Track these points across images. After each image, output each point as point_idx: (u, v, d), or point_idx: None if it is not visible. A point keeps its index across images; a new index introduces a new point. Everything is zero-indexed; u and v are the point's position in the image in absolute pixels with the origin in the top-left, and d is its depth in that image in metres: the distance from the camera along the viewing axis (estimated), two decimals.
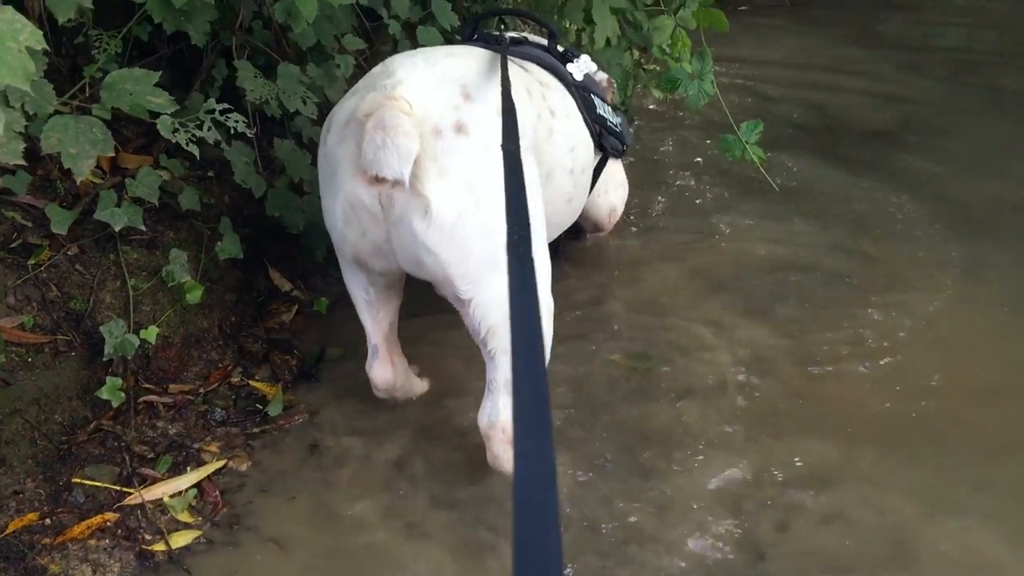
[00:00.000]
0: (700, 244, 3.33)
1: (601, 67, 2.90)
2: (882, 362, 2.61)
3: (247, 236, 2.71)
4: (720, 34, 3.09)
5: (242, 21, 2.69)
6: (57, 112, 2.02)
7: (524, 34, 2.80)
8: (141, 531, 2.00)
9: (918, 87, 5.23)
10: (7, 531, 1.91)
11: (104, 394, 2.21)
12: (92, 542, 1.95)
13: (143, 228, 2.38)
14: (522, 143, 1.62)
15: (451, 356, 2.58)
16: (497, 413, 2.04)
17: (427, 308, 2.55)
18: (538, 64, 2.52)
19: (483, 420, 2.06)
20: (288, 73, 2.66)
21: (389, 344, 2.29)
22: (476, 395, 2.12)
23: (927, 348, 2.67)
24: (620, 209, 3.17)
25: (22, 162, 1.76)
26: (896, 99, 5.02)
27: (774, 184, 3.21)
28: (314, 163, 2.76)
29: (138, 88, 2.08)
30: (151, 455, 2.20)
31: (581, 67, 2.61)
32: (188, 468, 2.18)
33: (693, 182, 3.89)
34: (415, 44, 3.01)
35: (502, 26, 2.68)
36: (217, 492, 2.12)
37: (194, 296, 2.46)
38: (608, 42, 3.18)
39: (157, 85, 2.13)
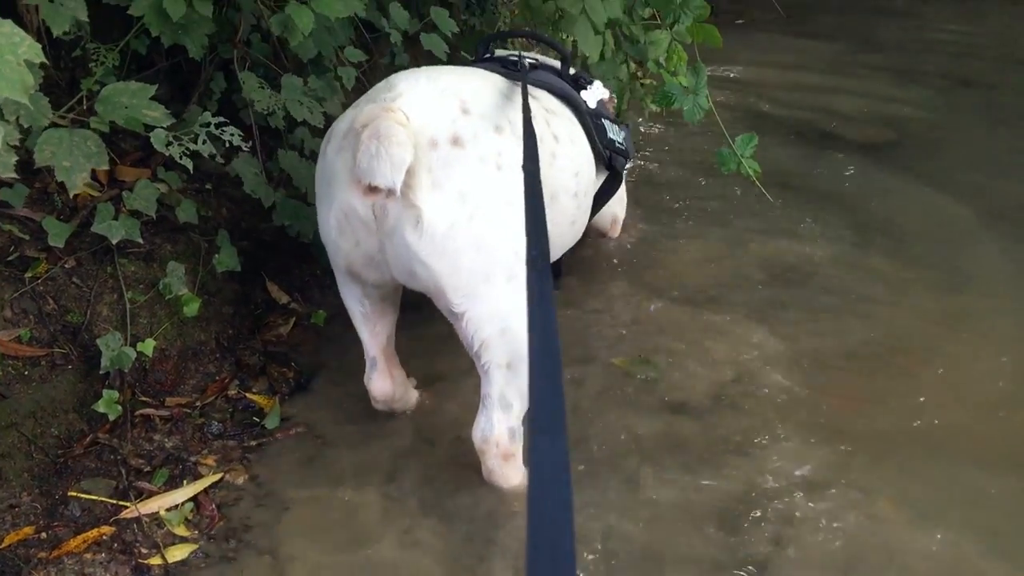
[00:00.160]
0: (699, 251, 3.33)
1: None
2: (879, 372, 2.61)
3: (245, 249, 2.72)
4: (715, 48, 3.10)
5: (240, 34, 2.70)
6: (53, 125, 2.02)
7: (536, 55, 2.84)
8: (137, 545, 1.99)
9: (914, 98, 5.25)
10: (3, 545, 1.91)
11: (100, 407, 2.21)
12: (88, 556, 1.94)
13: (140, 241, 2.38)
14: None
15: (449, 368, 2.58)
16: (491, 428, 2.04)
17: (423, 321, 2.56)
18: (549, 91, 2.54)
19: (477, 435, 2.06)
20: (291, 84, 2.67)
21: (387, 356, 2.29)
22: (471, 410, 2.12)
23: (925, 358, 2.67)
24: (622, 216, 3.29)
25: (14, 175, 1.76)
26: (893, 110, 5.04)
27: (769, 196, 3.22)
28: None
29: (134, 101, 2.08)
30: (147, 468, 2.20)
31: (594, 94, 2.65)
32: (185, 481, 2.17)
33: (692, 190, 3.90)
34: (414, 56, 3.02)
35: (519, 53, 2.72)
36: (213, 505, 2.11)
37: (191, 309, 2.46)
38: (603, 56, 3.19)
39: (154, 98, 2.13)
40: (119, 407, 2.24)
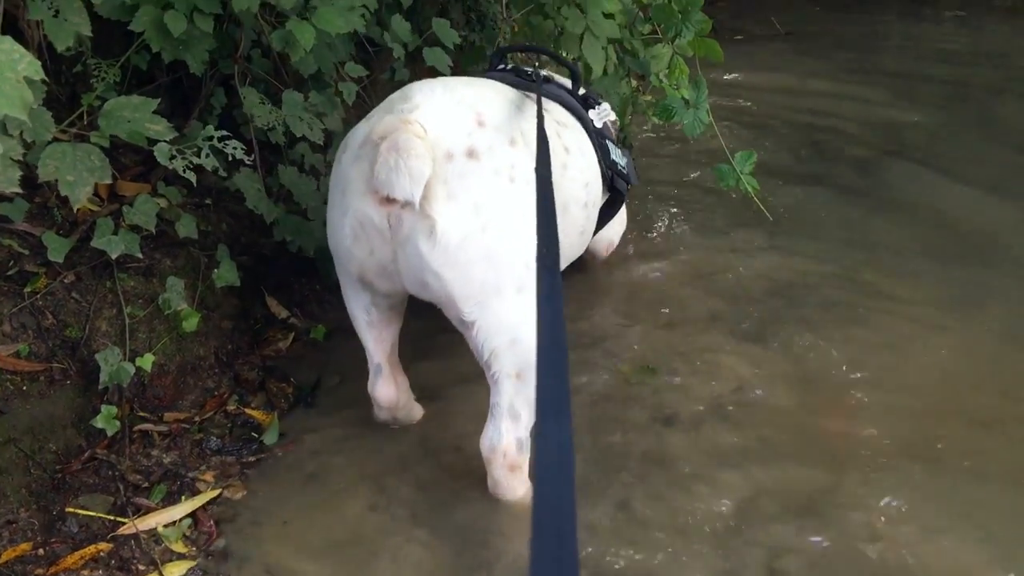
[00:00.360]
0: (696, 266, 3.34)
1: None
2: (877, 388, 2.60)
3: (244, 264, 2.71)
4: (716, 63, 3.11)
5: (241, 50, 2.70)
6: (55, 140, 2.02)
7: (547, 72, 2.87)
8: (135, 561, 1.98)
9: (913, 113, 5.27)
10: (0, 562, 1.89)
11: (99, 423, 2.20)
12: (85, 572, 1.92)
13: (140, 255, 2.37)
14: None
15: (450, 384, 2.58)
16: (499, 437, 2.04)
17: (426, 336, 2.56)
18: (559, 103, 2.60)
19: (485, 444, 2.06)
20: (292, 100, 2.68)
21: (392, 363, 2.30)
22: (475, 423, 2.11)
23: (922, 374, 2.67)
24: (617, 241, 3.28)
25: (19, 190, 1.76)
26: (891, 125, 5.05)
27: (767, 214, 3.23)
28: (319, 189, 2.78)
29: (136, 116, 2.08)
30: (145, 484, 2.19)
31: (601, 115, 2.69)
32: (183, 497, 2.16)
33: (691, 206, 3.90)
34: (414, 71, 3.03)
35: (536, 64, 2.77)
36: (212, 522, 2.10)
37: (190, 324, 2.46)
38: (605, 71, 3.21)
39: (155, 113, 2.14)
40: (117, 422, 2.23)
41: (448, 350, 2.61)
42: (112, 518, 2.07)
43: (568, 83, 2.79)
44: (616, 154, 2.74)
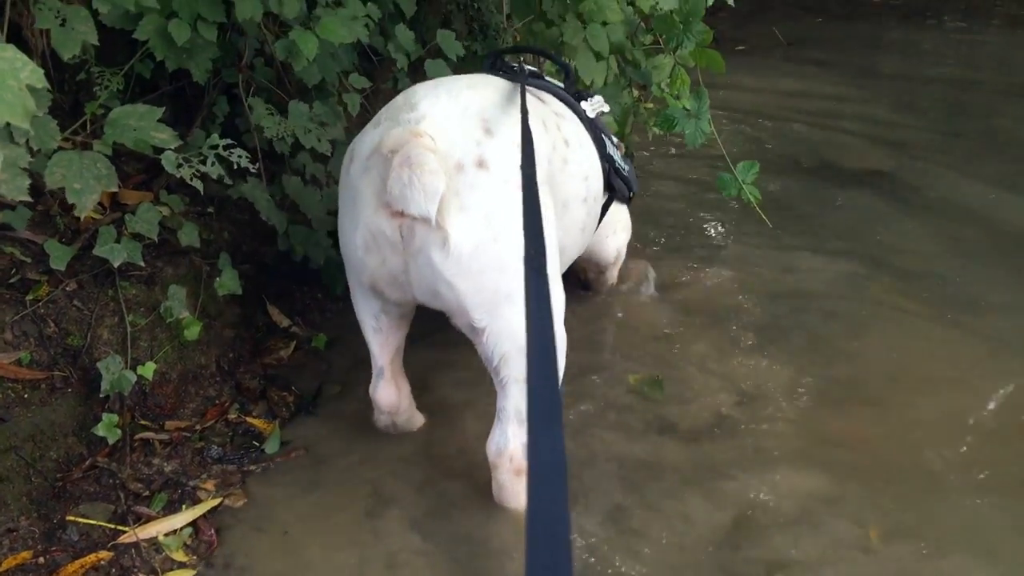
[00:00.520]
0: (699, 276, 3.34)
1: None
2: (878, 400, 2.60)
3: (246, 272, 2.71)
4: (718, 73, 3.12)
5: (245, 59, 2.71)
6: (60, 148, 2.02)
7: (533, 68, 2.84)
8: (135, 570, 1.97)
9: (914, 125, 5.27)
10: (0, 570, 1.89)
11: (100, 431, 2.20)
12: None
13: (142, 264, 2.38)
14: (538, 174, 1.66)
15: (452, 394, 2.58)
16: (506, 442, 2.04)
17: (430, 343, 2.56)
18: (554, 95, 2.56)
19: (491, 448, 2.07)
20: (298, 111, 2.69)
21: (394, 368, 2.31)
22: (478, 433, 2.11)
23: (924, 385, 2.67)
24: (624, 252, 3.17)
25: (27, 198, 1.76)
26: (892, 137, 5.06)
27: (769, 222, 3.23)
28: (322, 199, 2.78)
29: (142, 124, 2.09)
30: (146, 493, 2.18)
31: (594, 106, 2.65)
32: (183, 506, 2.16)
33: (693, 214, 3.91)
34: (416, 81, 3.03)
35: (520, 59, 2.73)
36: (212, 530, 2.10)
37: (192, 332, 2.46)
38: (605, 81, 3.21)
39: (160, 121, 2.14)
40: (118, 431, 2.23)
41: (449, 357, 2.61)
42: (113, 526, 2.06)
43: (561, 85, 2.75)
44: (612, 149, 2.71)
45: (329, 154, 2.75)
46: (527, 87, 2.23)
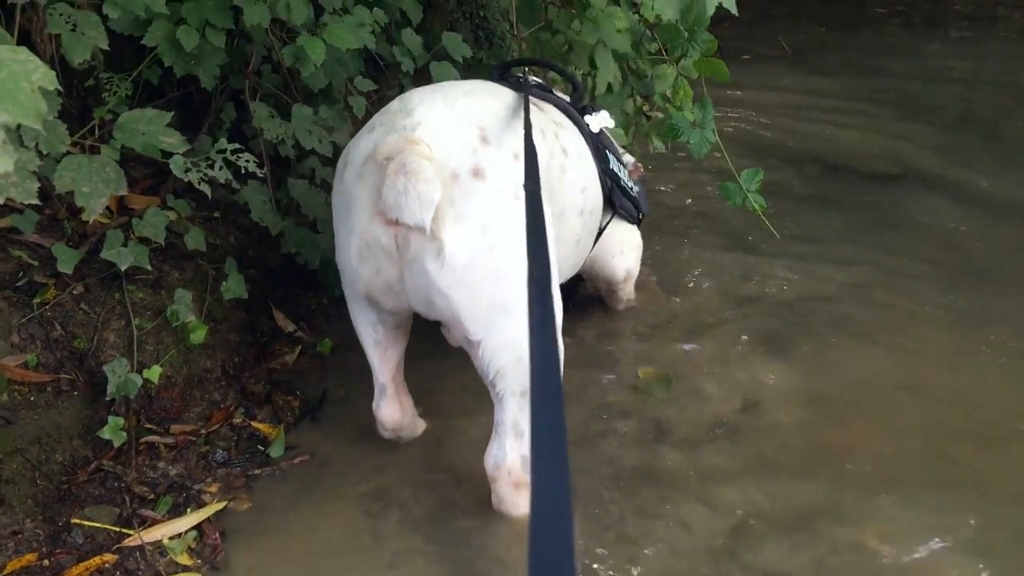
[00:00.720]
0: (704, 283, 3.35)
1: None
2: (883, 406, 2.60)
3: (252, 277, 2.72)
4: (722, 83, 3.12)
5: (252, 65, 2.72)
6: (69, 152, 2.04)
7: (538, 80, 2.83)
8: (140, 573, 1.98)
9: (919, 133, 5.27)
10: (5, 572, 1.90)
11: (106, 434, 2.20)
12: None
13: (149, 268, 2.39)
14: None
15: (457, 398, 2.58)
16: (504, 455, 2.04)
17: (431, 348, 2.56)
18: (554, 105, 2.52)
19: (489, 462, 2.06)
20: (302, 114, 2.70)
21: (397, 384, 2.29)
22: (480, 438, 2.12)
23: (929, 393, 2.67)
24: (635, 272, 3.07)
25: (36, 202, 1.77)
26: (897, 145, 5.05)
27: (774, 230, 3.23)
28: (328, 202, 2.79)
29: (150, 128, 2.10)
30: (151, 496, 2.19)
31: (598, 120, 2.61)
32: (188, 509, 2.16)
33: (697, 221, 3.91)
34: (418, 84, 3.04)
35: (525, 69, 2.70)
36: (217, 534, 2.10)
37: (198, 336, 2.47)
38: (610, 88, 3.22)
39: (168, 126, 2.16)
40: (124, 434, 2.23)
41: (451, 363, 2.61)
42: (118, 529, 2.07)
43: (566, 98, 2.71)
44: (617, 166, 2.65)
45: (331, 155, 2.76)
46: (530, 97, 2.20)
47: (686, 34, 3.01)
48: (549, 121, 2.36)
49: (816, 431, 2.49)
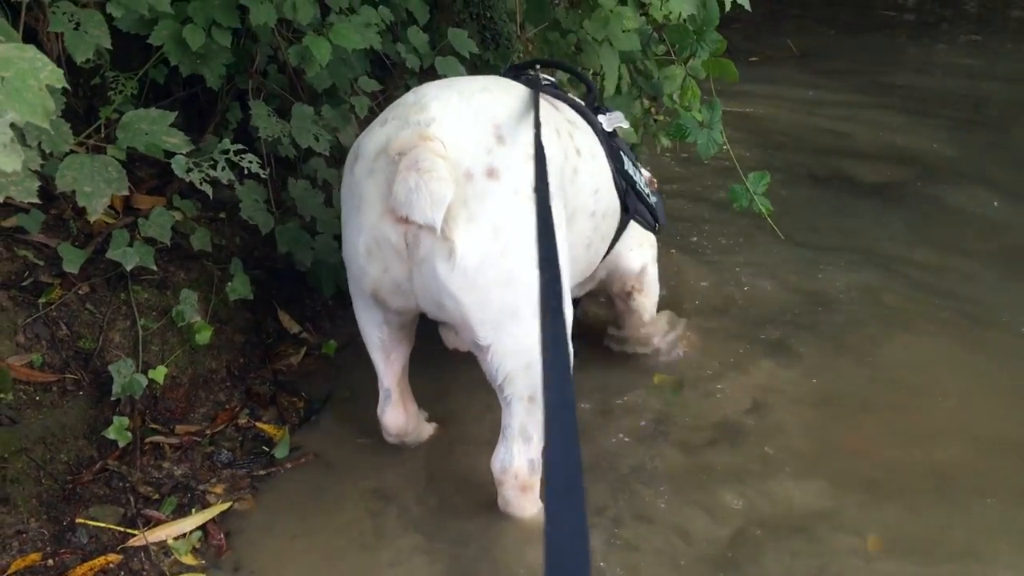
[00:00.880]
0: (713, 286, 3.34)
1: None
2: (890, 409, 2.59)
3: (257, 278, 2.72)
4: (731, 84, 3.11)
5: (257, 65, 2.72)
6: (72, 151, 2.03)
7: (551, 79, 2.78)
8: (144, 573, 1.97)
9: (928, 136, 5.25)
10: (9, 571, 1.89)
11: (111, 434, 2.20)
12: None
13: (154, 268, 2.38)
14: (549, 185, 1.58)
15: (461, 401, 2.57)
16: (511, 459, 2.02)
17: (436, 350, 2.55)
18: (568, 104, 2.45)
19: (496, 465, 2.04)
20: (302, 114, 2.69)
21: (402, 389, 2.27)
22: (485, 441, 2.11)
23: (938, 395, 2.65)
24: (653, 273, 2.87)
25: (37, 200, 1.76)
26: (906, 148, 5.05)
27: (781, 233, 3.22)
28: (326, 203, 2.78)
29: (154, 128, 2.10)
30: (156, 496, 2.18)
31: (612, 120, 2.53)
32: (193, 510, 2.16)
33: (705, 224, 3.90)
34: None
35: (537, 66, 2.64)
36: (221, 535, 2.10)
37: (203, 337, 2.46)
38: (619, 89, 3.21)
39: (172, 126, 2.15)
40: (129, 434, 2.23)
41: (456, 364, 2.60)
42: (122, 529, 2.06)
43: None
44: (632, 169, 2.56)
45: (327, 153, 2.74)
46: (545, 95, 2.15)
47: (695, 34, 3.00)
48: (563, 120, 2.29)
49: (823, 435, 2.48)
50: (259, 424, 2.48)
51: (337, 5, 2.64)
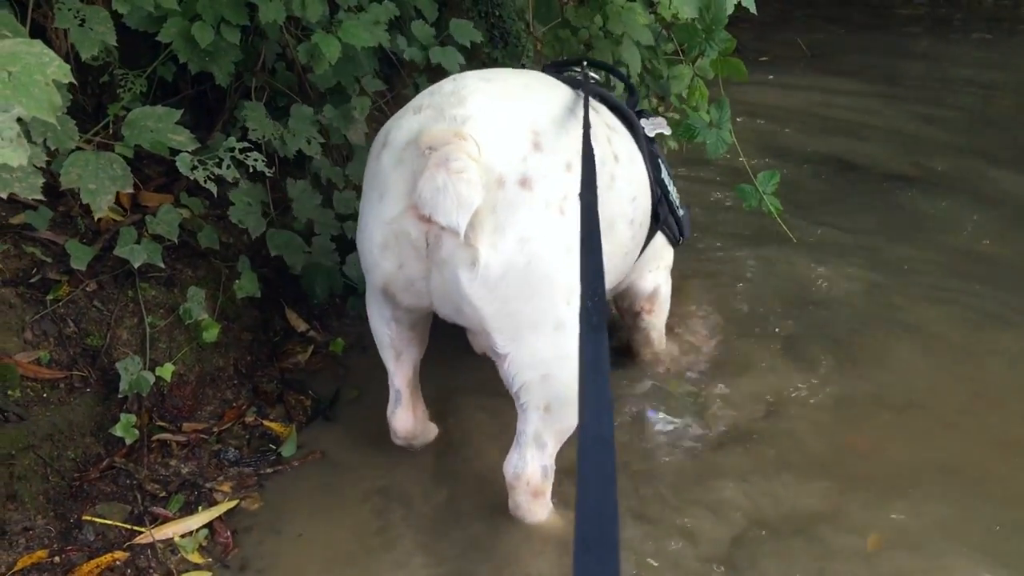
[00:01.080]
0: (724, 286, 3.33)
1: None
2: (899, 410, 2.57)
3: (264, 276, 2.72)
4: (739, 83, 3.10)
5: (264, 62, 2.72)
6: (78, 148, 2.03)
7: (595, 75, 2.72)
8: (151, 571, 1.97)
9: (938, 135, 5.23)
10: (16, 568, 1.89)
11: (118, 431, 2.20)
12: None
13: (162, 265, 2.38)
14: None
15: (471, 400, 2.57)
16: (524, 465, 2.00)
17: (447, 350, 2.54)
18: (610, 107, 2.36)
19: (508, 470, 2.02)
20: (301, 114, 2.68)
21: (412, 390, 2.24)
22: (490, 442, 2.10)
23: (949, 396, 2.64)
24: (666, 290, 2.81)
25: (41, 197, 1.76)
26: (917, 147, 5.01)
27: (791, 233, 3.21)
28: (324, 204, 2.77)
29: (160, 125, 2.10)
30: (163, 494, 2.18)
31: (654, 125, 2.47)
32: (200, 508, 2.16)
33: (714, 223, 3.89)
34: (433, 82, 3.03)
35: (584, 63, 2.57)
36: (228, 533, 2.10)
37: (210, 334, 2.46)
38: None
39: (179, 124, 2.15)
40: (136, 431, 2.23)
41: (467, 364, 2.60)
42: (129, 527, 2.07)
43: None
44: (668, 178, 2.50)
45: (318, 156, 2.73)
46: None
47: (703, 34, 2.99)
48: (602, 124, 2.18)
49: (831, 436, 2.47)
50: (266, 422, 2.48)
51: (346, 3, 2.63)
